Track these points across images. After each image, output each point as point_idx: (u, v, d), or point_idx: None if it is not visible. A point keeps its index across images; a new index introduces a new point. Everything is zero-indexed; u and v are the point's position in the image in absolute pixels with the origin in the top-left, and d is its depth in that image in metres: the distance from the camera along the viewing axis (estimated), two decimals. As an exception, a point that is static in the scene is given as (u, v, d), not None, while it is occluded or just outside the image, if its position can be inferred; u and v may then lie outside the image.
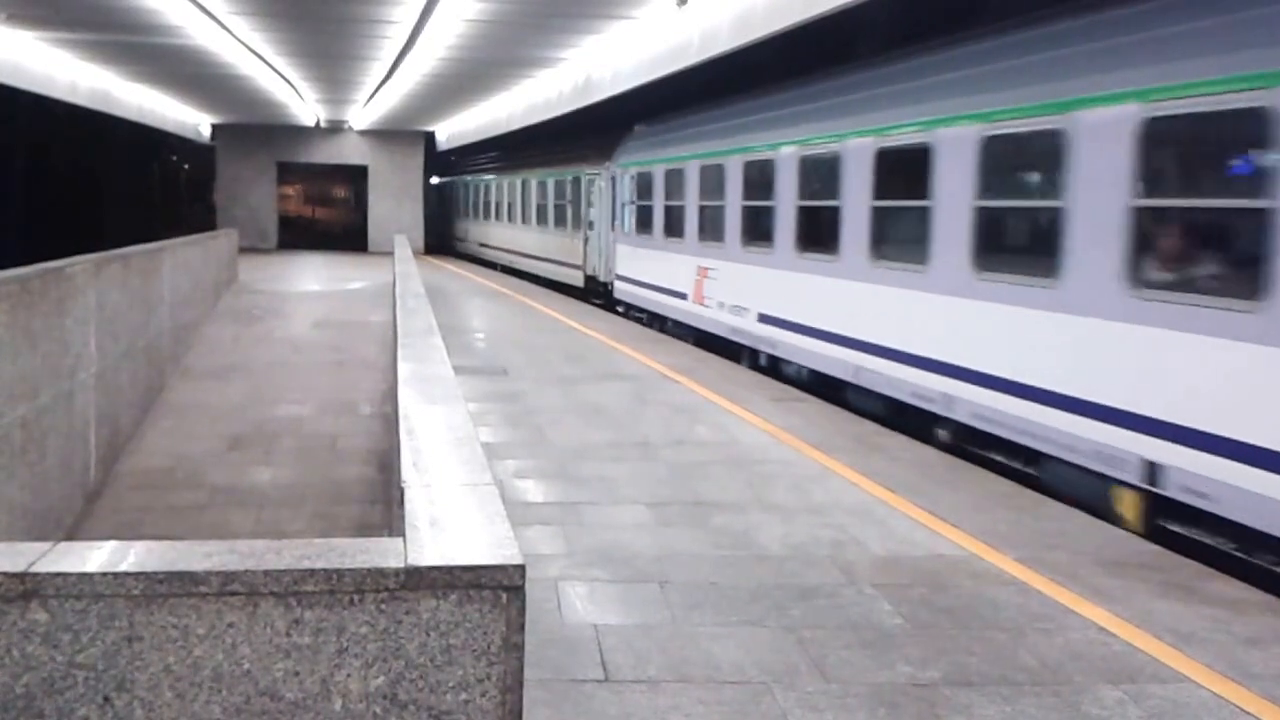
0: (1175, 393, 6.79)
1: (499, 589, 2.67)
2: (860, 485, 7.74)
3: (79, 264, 8.65)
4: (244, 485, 9.22)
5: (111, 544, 2.76)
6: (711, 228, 15.15)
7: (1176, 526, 7.15)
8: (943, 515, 7.00)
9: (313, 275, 28.62)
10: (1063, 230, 7.77)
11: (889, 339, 10.22)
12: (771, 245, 13.04)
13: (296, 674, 2.65)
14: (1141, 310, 7.05)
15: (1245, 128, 6.36)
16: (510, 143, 33.92)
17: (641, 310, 18.96)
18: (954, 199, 9.14)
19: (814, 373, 12.00)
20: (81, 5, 16.65)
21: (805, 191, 12.25)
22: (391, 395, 7.15)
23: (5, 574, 2.56)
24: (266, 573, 2.61)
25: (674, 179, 16.85)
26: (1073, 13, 8.45)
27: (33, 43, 20.36)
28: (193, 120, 36.88)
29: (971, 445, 9.12)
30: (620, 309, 20.41)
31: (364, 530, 8.08)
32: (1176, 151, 7.19)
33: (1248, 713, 4.33)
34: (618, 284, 20.49)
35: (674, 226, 16.84)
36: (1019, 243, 8.91)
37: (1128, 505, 7.31)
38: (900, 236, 10.25)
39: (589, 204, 23.89)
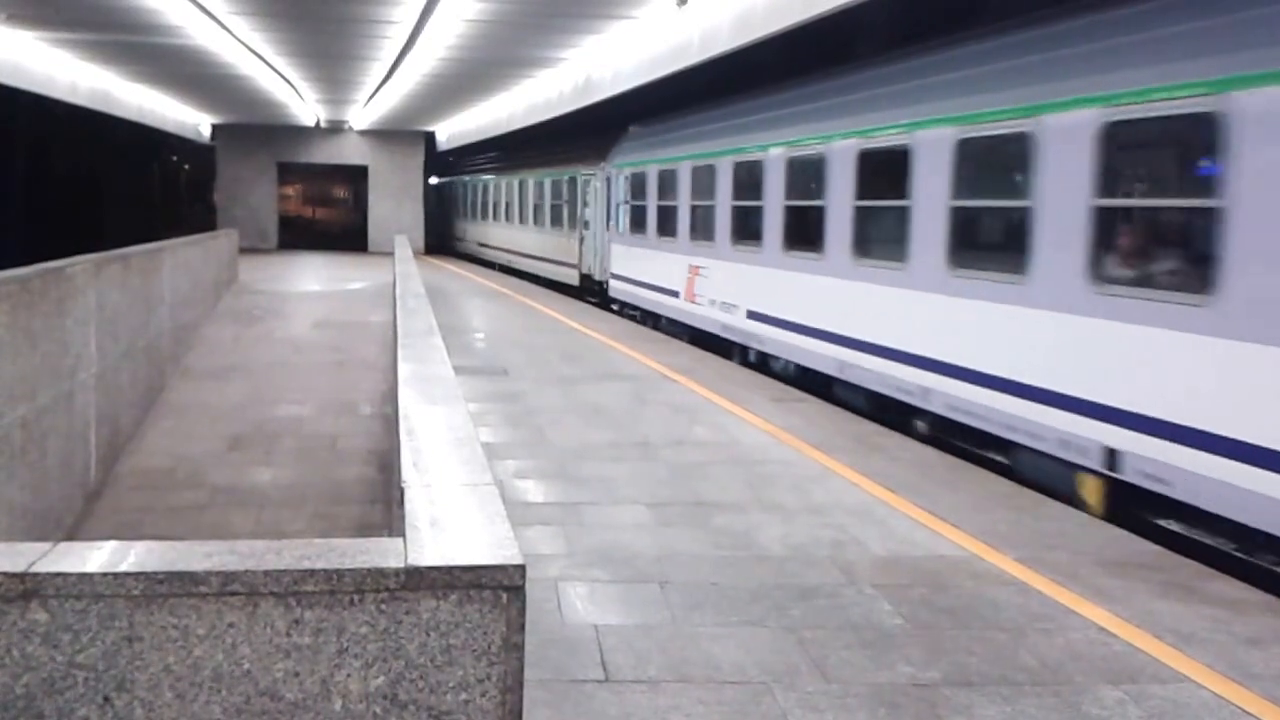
0: (1133, 383, 7.13)
1: (499, 589, 2.67)
2: (861, 485, 7.74)
3: (79, 264, 8.65)
4: (244, 485, 9.22)
5: (111, 544, 2.76)
6: (703, 227, 15.49)
7: (1176, 526, 7.18)
8: (943, 515, 7.00)
9: (313, 275, 28.62)
10: (1030, 229, 8.11)
11: (871, 334, 10.56)
12: (760, 244, 13.38)
13: (296, 674, 2.65)
14: (1102, 305, 7.39)
15: (1197, 131, 6.71)
16: (507, 144, 34.24)
17: (635, 308, 19.24)
18: (931, 199, 9.48)
19: (801, 368, 12.31)
20: (81, 5, 16.65)
21: (792, 192, 12.61)
22: (392, 395, 7.15)
23: (5, 574, 2.56)
24: (267, 573, 2.61)
25: (667, 179, 17.15)
26: (1039, 21, 8.82)
27: (33, 43, 20.37)
28: (193, 120, 36.88)
29: (947, 436, 9.42)
30: (615, 307, 20.67)
31: (364, 530, 8.08)
32: (1134, 154, 7.55)
33: (1248, 713, 4.32)
34: (612, 283, 20.76)
35: (667, 226, 17.13)
36: (991, 241, 9.24)
37: (1091, 491, 7.60)
38: (881, 235, 10.58)
39: (584, 204, 24.19)
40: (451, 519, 3.00)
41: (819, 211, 11.69)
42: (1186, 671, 4.69)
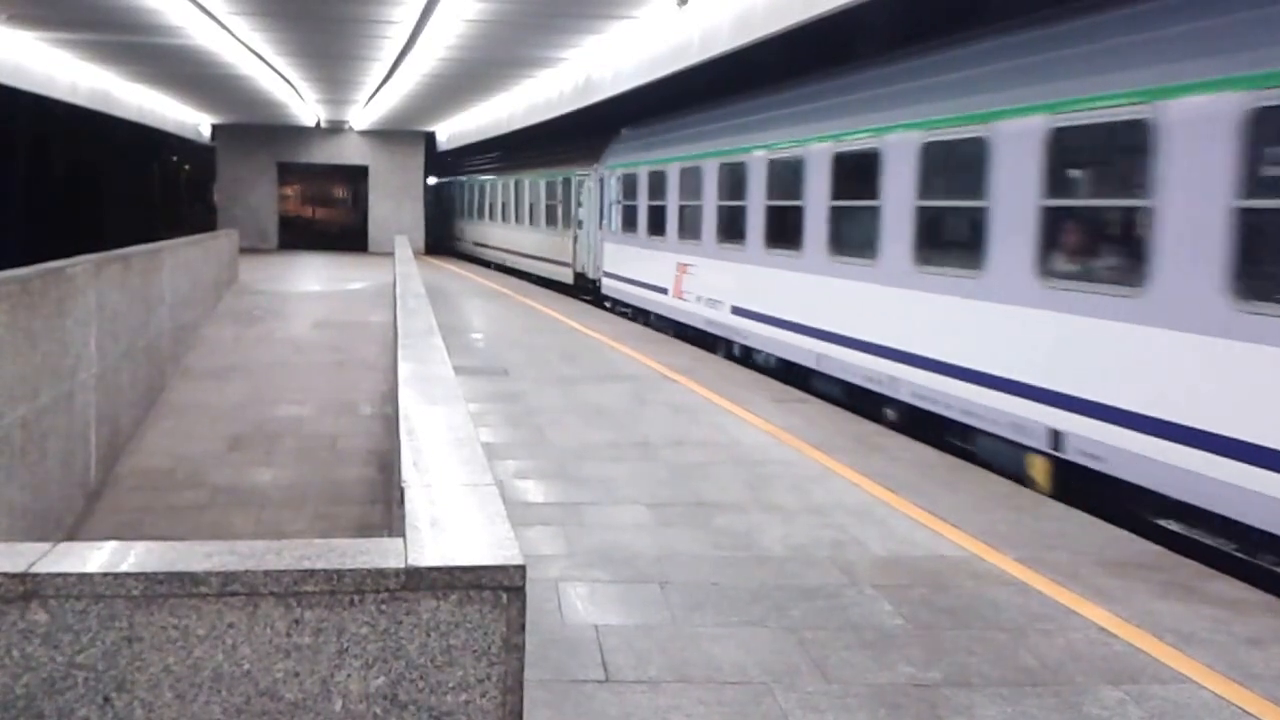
0: (1075, 369, 7.73)
1: (499, 589, 2.67)
2: (861, 486, 7.74)
3: (79, 264, 8.65)
4: (244, 485, 9.22)
5: (112, 544, 2.76)
6: (690, 226, 16.06)
7: (1176, 526, 7.21)
8: (943, 515, 7.00)
9: (313, 275, 28.62)
10: (986, 227, 8.72)
11: (845, 328, 11.16)
12: (743, 243, 13.97)
13: (297, 674, 2.65)
14: (1049, 297, 8.00)
15: (1131, 137, 7.25)
16: (504, 145, 34.50)
17: (627, 305, 19.78)
18: (898, 199, 10.08)
19: (781, 360, 12.92)
20: (82, 5, 16.65)
21: (773, 192, 13.21)
22: (392, 396, 7.15)
23: (5, 574, 2.56)
24: (267, 573, 2.61)
25: (656, 180, 17.71)
26: (994, 33, 9.52)
27: (33, 43, 20.36)
28: (193, 120, 36.88)
29: (912, 422, 9.95)
30: (608, 304, 21.15)
31: (364, 531, 8.08)
32: (1076, 157, 8.14)
33: (1249, 713, 4.32)
34: (605, 280, 21.28)
35: (656, 225, 17.71)
36: (952, 238, 9.78)
37: (1038, 470, 8.20)
38: (854, 233, 11.14)
39: (578, 204, 24.69)
40: (452, 519, 3.00)
41: (797, 211, 12.27)
42: (1187, 672, 4.69)
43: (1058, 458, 7.91)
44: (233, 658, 2.63)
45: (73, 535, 7.84)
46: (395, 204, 39.42)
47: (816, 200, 11.81)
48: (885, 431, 9.65)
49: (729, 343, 14.68)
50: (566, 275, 25.61)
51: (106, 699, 2.61)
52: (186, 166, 57.64)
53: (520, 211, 30.79)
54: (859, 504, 7.26)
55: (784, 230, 12.68)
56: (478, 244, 37.17)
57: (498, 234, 34.03)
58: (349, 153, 39.22)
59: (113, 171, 47.85)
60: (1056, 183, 7.99)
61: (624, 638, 4.99)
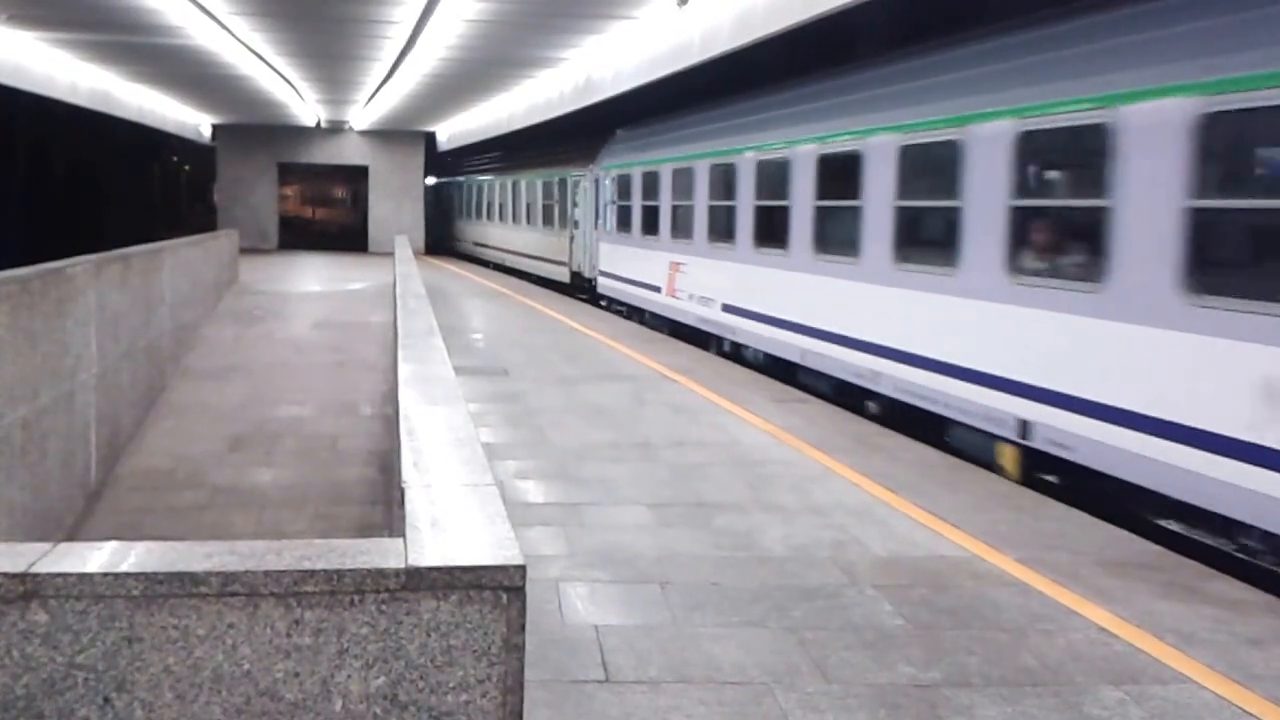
0: (1041, 361, 8.09)
1: (500, 589, 2.67)
2: (861, 486, 7.73)
3: (79, 264, 8.65)
4: (245, 486, 9.22)
5: (112, 544, 2.75)
6: (683, 226, 16.37)
7: (1176, 526, 7.21)
8: (944, 516, 6.99)
9: (313, 276, 28.62)
10: (960, 226, 9.06)
11: (829, 324, 11.50)
12: (733, 242, 14.31)
13: (297, 675, 2.65)
14: (1017, 293, 8.36)
15: (1091, 140, 7.60)
16: (502, 145, 34.64)
17: (622, 304, 20.06)
18: (879, 199, 10.43)
19: (769, 356, 13.25)
20: (82, 5, 16.65)
21: (761, 193, 13.55)
22: (392, 396, 7.15)
23: (5, 574, 2.56)
24: (267, 573, 2.61)
25: (650, 181, 18.00)
26: (966, 40, 9.89)
27: (33, 43, 20.36)
28: (193, 120, 36.88)
29: (895, 415, 10.32)
30: (603, 303, 21.38)
31: (365, 531, 8.08)
32: (1041, 159, 8.47)
33: (1249, 714, 4.32)
34: (600, 279, 21.54)
35: (650, 225, 18.01)
36: (929, 237, 10.10)
37: (1008, 459, 8.56)
38: (838, 233, 11.48)
39: (574, 204, 24.97)
40: (452, 519, 3.00)
41: (784, 211, 12.62)
42: (1187, 672, 4.69)
43: (1027, 446, 8.24)
44: (233, 658, 2.62)
45: (73, 535, 7.84)
46: (395, 204, 39.42)
47: (802, 201, 12.16)
48: (885, 431, 9.65)
49: (720, 339, 14.98)
50: (563, 274, 25.88)
51: (106, 699, 2.61)
52: (187, 167, 57.65)
53: (518, 212, 31.01)
54: (859, 504, 7.26)
55: (772, 230, 13.00)
56: (477, 244, 37.30)
57: (496, 234, 34.16)
58: (349, 153, 39.22)
59: (113, 172, 47.86)
60: (1024, 184, 8.36)
61: (624, 638, 4.98)
